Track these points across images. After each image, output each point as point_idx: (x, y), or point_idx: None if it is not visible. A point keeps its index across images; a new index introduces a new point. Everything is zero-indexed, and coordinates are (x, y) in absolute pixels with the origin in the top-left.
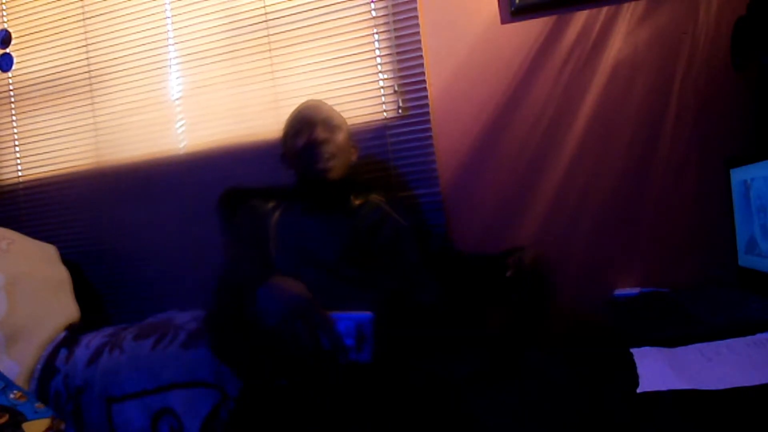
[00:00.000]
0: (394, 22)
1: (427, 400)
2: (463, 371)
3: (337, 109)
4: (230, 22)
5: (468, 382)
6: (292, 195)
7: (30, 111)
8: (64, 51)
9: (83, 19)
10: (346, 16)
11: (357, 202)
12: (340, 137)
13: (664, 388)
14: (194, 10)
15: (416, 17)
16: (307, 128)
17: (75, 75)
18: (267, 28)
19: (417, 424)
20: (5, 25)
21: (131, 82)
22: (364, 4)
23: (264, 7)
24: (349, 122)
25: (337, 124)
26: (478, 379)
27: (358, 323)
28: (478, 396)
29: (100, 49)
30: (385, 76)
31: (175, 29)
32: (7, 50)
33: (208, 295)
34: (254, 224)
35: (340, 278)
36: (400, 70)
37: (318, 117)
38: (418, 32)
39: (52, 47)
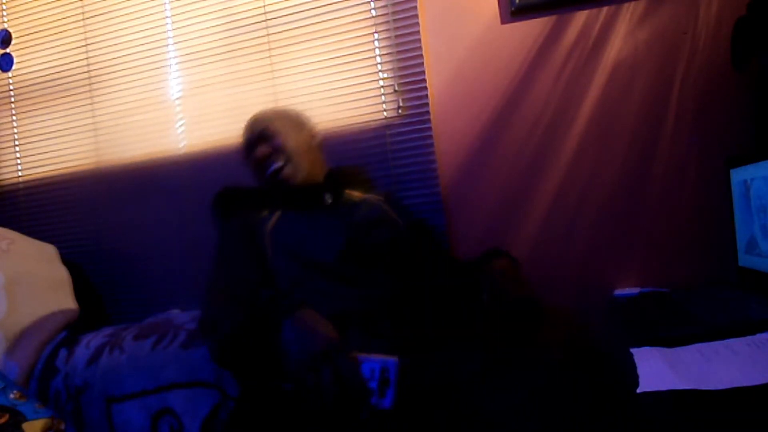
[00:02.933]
0: (394, 21)
1: (427, 398)
2: (463, 369)
3: (337, 108)
4: (230, 22)
5: (467, 381)
6: (288, 195)
7: (30, 111)
8: (64, 51)
9: (83, 19)
10: (346, 16)
11: (356, 195)
12: (286, 140)
13: (664, 388)
14: (194, 9)
15: (416, 17)
16: (251, 146)
17: (75, 75)
18: (266, 28)
19: (419, 422)
20: (5, 25)
21: (131, 82)
22: (363, 4)
23: (263, 6)
24: (349, 122)
25: (276, 129)
26: (477, 378)
27: (383, 367)
28: (477, 395)
29: (100, 49)
30: (385, 76)
31: (174, 29)
32: (7, 50)
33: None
34: (249, 233)
35: (337, 278)
36: (400, 69)
37: (256, 130)
38: (418, 32)
39: (52, 47)
